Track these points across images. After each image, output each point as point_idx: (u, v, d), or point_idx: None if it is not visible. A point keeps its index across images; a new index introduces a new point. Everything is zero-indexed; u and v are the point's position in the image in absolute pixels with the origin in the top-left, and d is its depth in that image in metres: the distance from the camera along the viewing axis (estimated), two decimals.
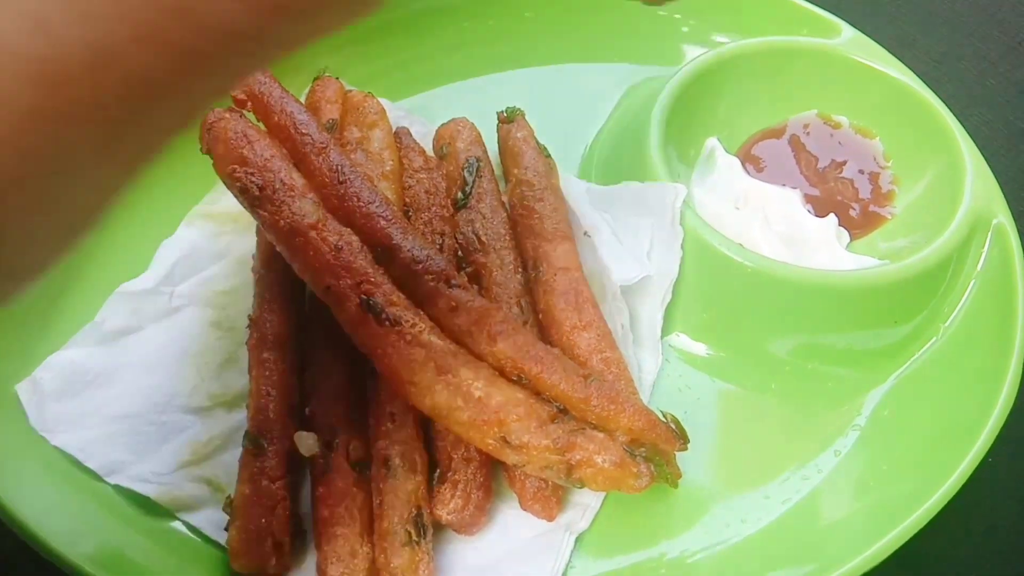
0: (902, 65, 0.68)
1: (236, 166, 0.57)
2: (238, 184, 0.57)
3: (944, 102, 0.66)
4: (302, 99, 0.71)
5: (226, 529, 0.53)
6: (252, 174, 0.57)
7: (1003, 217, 0.60)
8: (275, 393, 0.56)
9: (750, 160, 0.69)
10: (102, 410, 0.60)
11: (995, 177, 0.63)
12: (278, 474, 0.53)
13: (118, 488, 0.57)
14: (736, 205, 0.66)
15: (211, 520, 0.55)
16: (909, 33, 0.82)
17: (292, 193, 0.56)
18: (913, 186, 0.66)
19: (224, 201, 0.64)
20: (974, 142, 0.65)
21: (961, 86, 0.78)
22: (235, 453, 0.56)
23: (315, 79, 0.71)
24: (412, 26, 0.76)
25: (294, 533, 0.53)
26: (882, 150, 0.68)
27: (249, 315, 0.60)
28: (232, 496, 0.54)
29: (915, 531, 0.51)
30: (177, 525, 0.56)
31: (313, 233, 0.55)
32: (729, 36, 0.74)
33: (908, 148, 0.67)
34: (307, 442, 0.54)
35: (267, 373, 0.56)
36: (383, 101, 0.69)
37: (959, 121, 0.65)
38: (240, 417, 0.58)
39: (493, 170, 0.67)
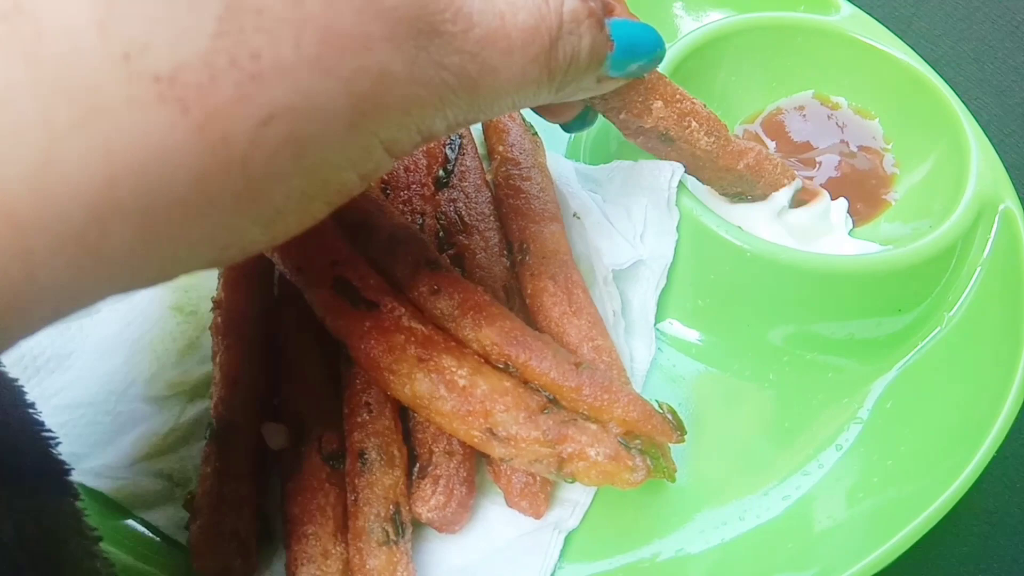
0: (903, 43, 0.65)
1: None
2: None
3: None
4: None
5: (187, 528, 0.49)
6: None
7: (1010, 202, 0.58)
8: (241, 381, 0.51)
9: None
10: (53, 399, 0.55)
11: None
12: (244, 469, 0.49)
13: None
14: None
15: (171, 518, 0.51)
16: (904, 14, 0.79)
17: None
18: (915, 169, 0.63)
19: None
20: None
21: (959, 69, 0.75)
22: (197, 446, 0.52)
23: None
24: None
25: (261, 532, 0.49)
26: (882, 132, 0.65)
27: (213, 297, 0.56)
28: (194, 492, 0.50)
29: (923, 533, 0.48)
30: (134, 523, 0.52)
31: None
32: (724, 11, 0.71)
33: (909, 129, 0.64)
34: (276, 434, 0.50)
35: (232, 360, 0.52)
36: None
37: None
38: (203, 407, 0.54)
39: (476, 147, 0.63)
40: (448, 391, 0.47)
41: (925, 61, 0.66)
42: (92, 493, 0.52)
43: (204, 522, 0.48)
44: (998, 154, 0.61)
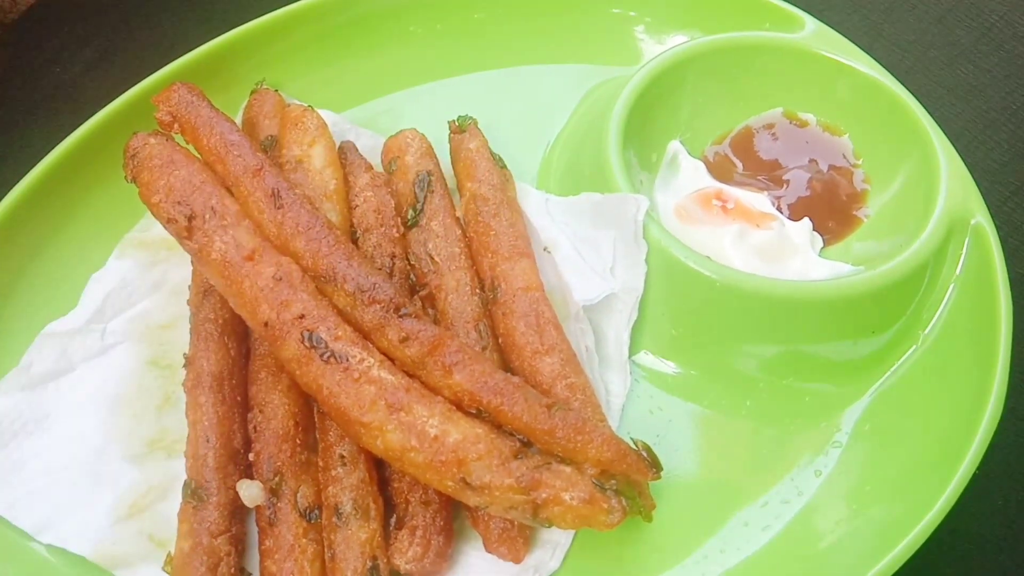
0: (870, 58, 0.65)
1: (161, 195, 0.53)
2: (164, 215, 0.53)
3: (914, 93, 0.63)
4: (239, 114, 0.67)
5: None
6: (179, 203, 0.53)
7: (981, 217, 0.58)
8: (214, 439, 0.51)
9: (715, 163, 0.65)
10: (31, 462, 0.55)
11: (969, 170, 0.60)
12: (221, 528, 0.49)
13: (50, 548, 0.53)
14: None
15: None
16: (875, 21, 0.79)
17: (224, 221, 0.52)
18: (886, 185, 0.63)
19: (158, 227, 0.60)
20: (946, 134, 0.62)
21: (931, 75, 0.75)
22: (176, 502, 0.52)
23: (252, 92, 0.67)
24: (355, 32, 0.72)
25: None
26: (852, 148, 0.65)
27: (184, 353, 0.56)
28: (172, 552, 0.50)
29: (907, 557, 0.48)
30: None
31: (248, 264, 0.51)
32: (689, 33, 0.71)
33: (879, 145, 0.64)
34: (251, 491, 0.50)
35: (205, 417, 0.52)
36: (327, 113, 0.65)
37: (930, 112, 0.62)
38: (181, 463, 0.54)
39: (446, 184, 0.63)
40: (420, 442, 0.47)
41: (897, 68, 0.66)
42: (72, 556, 0.52)
43: None
44: (968, 163, 0.60)
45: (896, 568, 0.48)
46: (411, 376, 0.50)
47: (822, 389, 0.57)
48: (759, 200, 0.62)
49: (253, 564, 0.51)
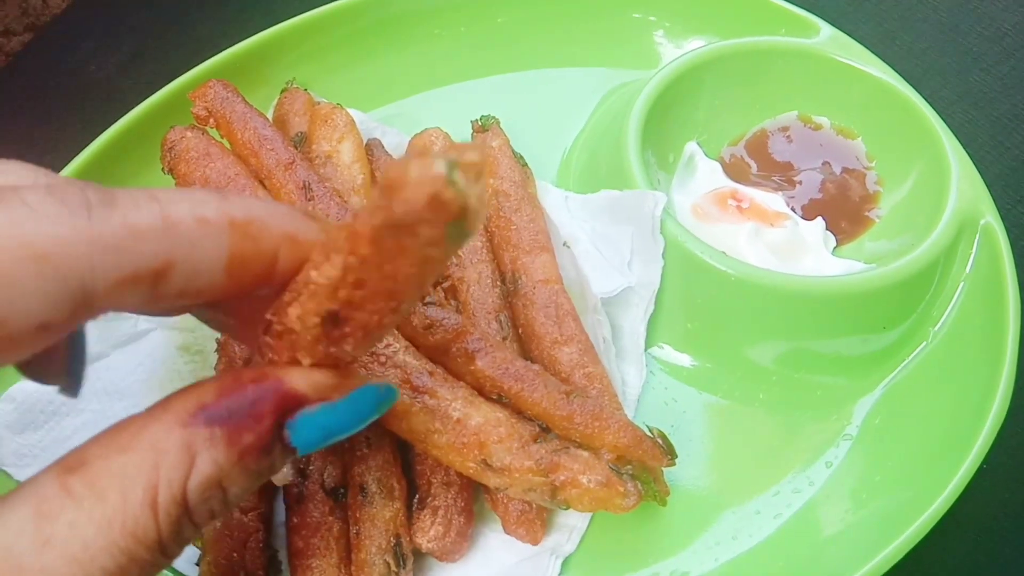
0: (883, 63, 0.67)
1: (198, 186, 0.55)
2: None
3: (926, 99, 0.65)
4: (270, 112, 0.69)
5: (197, 564, 0.51)
6: None
7: (991, 217, 0.59)
8: None
9: (731, 164, 0.67)
10: (66, 442, 0.57)
11: (980, 175, 0.62)
12: (250, 504, 0.51)
13: None
14: None
15: (183, 554, 0.53)
16: (890, 29, 0.80)
17: None
18: (898, 187, 0.64)
19: None
20: (958, 139, 0.63)
21: (944, 82, 0.76)
22: None
23: (282, 91, 0.69)
24: (382, 34, 0.75)
25: (268, 566, 0.51)
26: (865, 150, 0.67)
27: (217, 338, 0.58)
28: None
29: (912, 544, 0.49)
30: None
31: None
32: (706, 38, 0.73)
33: (891, 148, 0.65)
34: (280, 471, 0.52)
35: None
36: (355, 112, 0.67)
37: (942, 118, 0.64)
38: None
39: None
40: (443, 424, 0.49)
41: (910, 75, 0.67)
42: None
43: (212, 558, 0.50)
44: (979, 168, 0.62)
45: (901, 555, 0.49)
46: (434, 362, 0.52)
47: (834, 383, 0.58)
48: (773, 200, 0.64)
49: (276, 543, 0.53)
